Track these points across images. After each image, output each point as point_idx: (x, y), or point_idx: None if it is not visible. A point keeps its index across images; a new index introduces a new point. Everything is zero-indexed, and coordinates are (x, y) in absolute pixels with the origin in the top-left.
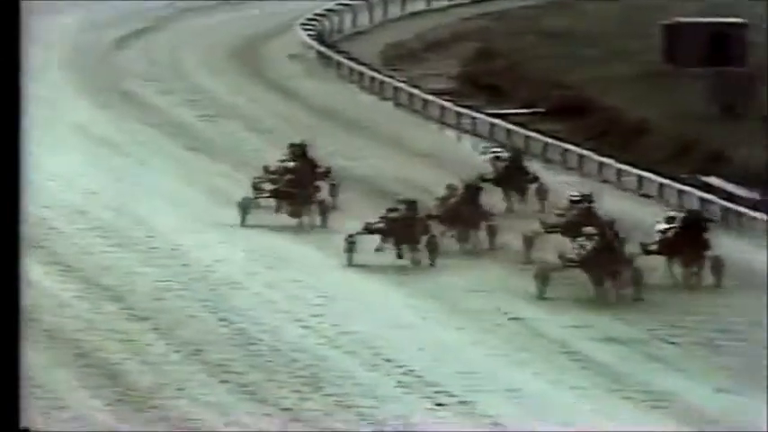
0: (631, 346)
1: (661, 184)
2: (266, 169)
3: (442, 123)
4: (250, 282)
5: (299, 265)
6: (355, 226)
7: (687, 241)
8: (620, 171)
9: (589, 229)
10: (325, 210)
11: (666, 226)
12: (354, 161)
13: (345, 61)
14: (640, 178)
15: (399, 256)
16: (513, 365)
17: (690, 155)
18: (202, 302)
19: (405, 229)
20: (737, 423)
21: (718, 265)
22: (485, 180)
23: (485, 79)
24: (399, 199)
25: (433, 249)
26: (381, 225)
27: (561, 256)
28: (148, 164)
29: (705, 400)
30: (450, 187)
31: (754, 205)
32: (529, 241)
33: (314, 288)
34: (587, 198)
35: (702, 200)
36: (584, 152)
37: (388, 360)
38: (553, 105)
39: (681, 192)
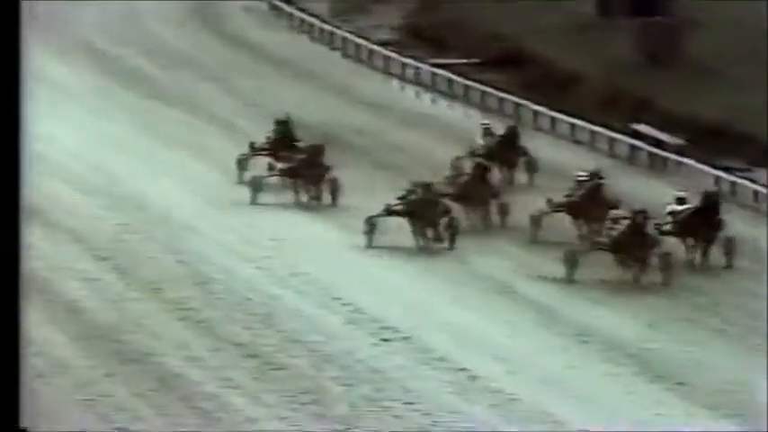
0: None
1: (592, 132)
2: (252, 146)
3: (387, 73)
4: (202, 223)
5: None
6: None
7: (702, 222)
8: (553, 119)
9: (618, 213)
10: (335, 188)
11: (679, 207)
12: (302, 108)
13: (296, 13)
14: (573, 126)
15: (422, 238)
16: None
17: (619, 103)
18: (161, 244)
19: (425, 211)
20: None
21: (729, 246)
22: (476, 155)
23: (428, 31)
24: (416, 182)
25: (453, 231)
26: (401, 207)
27: (590, 239)
28: (106, 111)
29: None
30: (456, 165)
31: (679, 150)
32: (536, 221)
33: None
34: (596, 175)
35: (632, 146)
36: (520, 101)
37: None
38: (492, 56)
39: (611, 139)
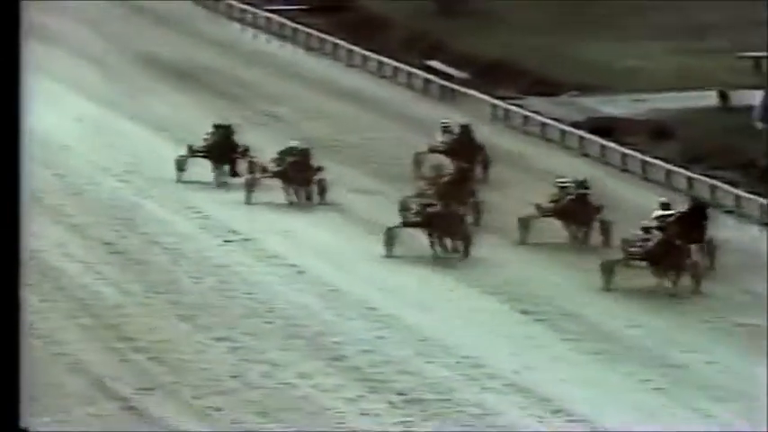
0: None
1: (396, 68)
2: (190, 148)
3: (232, 18)
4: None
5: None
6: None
7: (688, 227)
8: (365, 57)
9: (651, 223)
10: (323, 188)
11: (665, 212)
12: (162, 47)
13: None
14: (380, 63)
15: (440, 249)
16: None
17: (418, 44)
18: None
19: (444, 223)
20: None
21: (711, 248)
22: (435, 151)
23: None
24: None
25: (468, 241)
26: (419, 219)
27: (625, 250)
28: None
29: None
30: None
31: (464, 83)
32: (525, 223)
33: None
34: (582, 185)
35: (426, 80)
36: (338, 41)
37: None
38: (316, 3)
39: (409, 74)
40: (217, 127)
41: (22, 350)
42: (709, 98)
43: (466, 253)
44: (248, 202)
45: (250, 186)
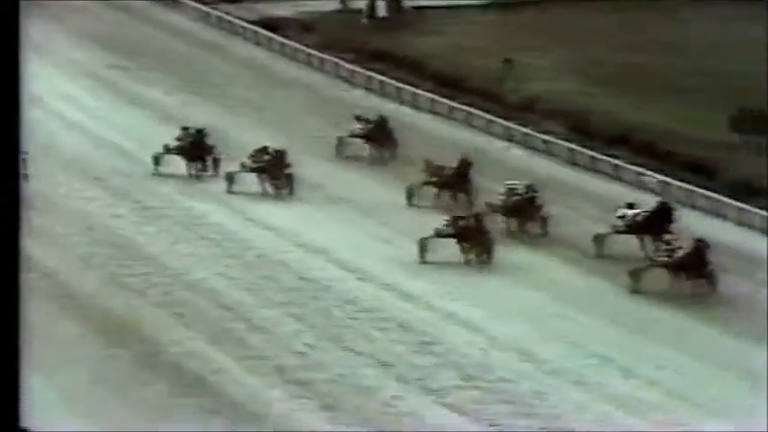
0: None
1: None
2: (166, 147)
3: None
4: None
5: None
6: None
7: (654, 223)
8: (208, 13)
9: (673, 237)
10: (291, 181)
11: (632, 211)
12: (74, 12)
13: None
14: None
15: (468, 258)
16: None
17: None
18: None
19: (475, 235)
20: None
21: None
22: (354, 136)
23: None
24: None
25: (490, 249)
26: (451, 230)
27: (650, 258)
28: None
29: None
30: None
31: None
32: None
33: None
34: (531, 188)
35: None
36: None
37: None
38: None
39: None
40: (185, 129)
41: (22, 350)
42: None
43: (490, 260)
44: (229, 191)
45: (230, 179)
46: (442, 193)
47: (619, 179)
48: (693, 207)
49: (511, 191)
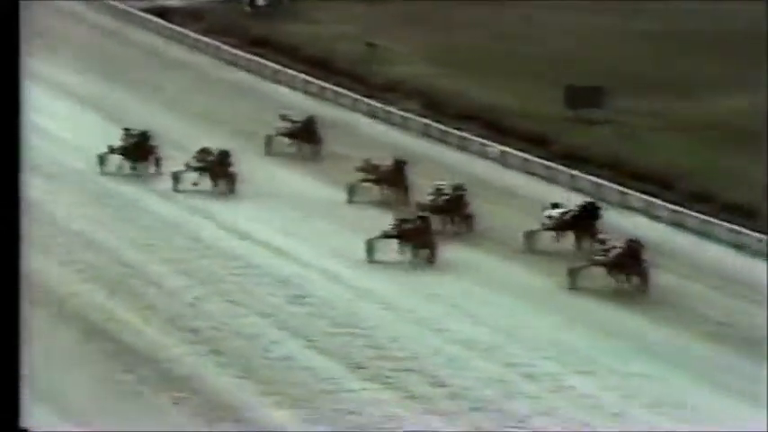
0: None
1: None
2: (111, 147)
3: None
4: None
5: None
6: None
7: (580, 225)
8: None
9: (607, 236)
10: (233, 180)
11: (558, 211)
12: None
13: None
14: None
15: (414, 257)
16: None
17: None
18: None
19: (419, 236)
20: None
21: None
22: (282, 134)
23: None
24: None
25: (433, 248)
26: (396, 232)
27: (590, 258)
28: None
29: None
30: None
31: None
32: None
33: None
34: (460, 187)
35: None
36: None
37: None
38: None
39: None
40: (128, 130)
41: (22, 350)
42: None
43: (433, 260)
44: (175, 189)
45: (176, 178)
46: (379, 190)
47: (465, 149)
48: (530, 173)
49: (439, 190)
